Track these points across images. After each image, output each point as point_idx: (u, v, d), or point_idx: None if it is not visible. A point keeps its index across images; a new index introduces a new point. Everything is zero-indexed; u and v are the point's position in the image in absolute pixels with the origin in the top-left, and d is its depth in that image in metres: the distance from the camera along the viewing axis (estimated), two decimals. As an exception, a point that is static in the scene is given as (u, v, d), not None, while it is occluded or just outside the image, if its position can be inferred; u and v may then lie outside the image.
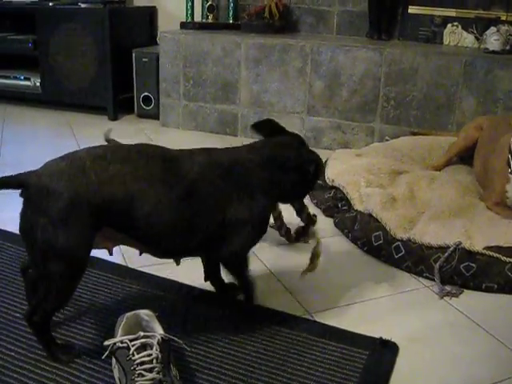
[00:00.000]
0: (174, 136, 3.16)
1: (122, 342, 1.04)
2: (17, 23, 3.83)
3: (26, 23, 3.62)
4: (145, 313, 1.14)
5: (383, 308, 1.49)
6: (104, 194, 1.11)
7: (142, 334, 1.04)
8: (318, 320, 1.41)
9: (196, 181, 1.22)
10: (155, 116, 3.42)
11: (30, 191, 1.10)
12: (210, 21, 3.49)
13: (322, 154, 2.73)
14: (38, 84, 3.65)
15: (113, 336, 1.14)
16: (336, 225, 1.97)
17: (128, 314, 1.13)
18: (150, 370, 1.04)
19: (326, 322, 1.40)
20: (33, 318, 1.16)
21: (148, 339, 1.03)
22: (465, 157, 2.30)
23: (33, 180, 1.10)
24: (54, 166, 1.13)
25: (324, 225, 1.99)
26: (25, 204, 1.11)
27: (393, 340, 1.33)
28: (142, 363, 1.03)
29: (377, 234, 1.77)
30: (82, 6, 3.49)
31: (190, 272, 1.61)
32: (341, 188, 2.04)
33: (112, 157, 1.16)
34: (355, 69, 2.80)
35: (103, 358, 1.10)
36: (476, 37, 2.98)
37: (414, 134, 2.64)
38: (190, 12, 3.46)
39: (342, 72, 2.84)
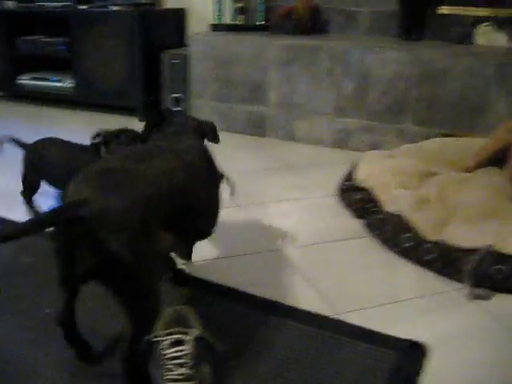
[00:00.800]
0: (204, 137, 3.17)
1: (157, 335, 1.06)
2: (50, 26, 3.90)
3: (60, 26, 3.69)
4: (183, 309, 1.16)
5: (413, 310, 1.48)
6: (164, 189, 1.12)
7: (177, 329, 1.06)
8: (347, 321, 1.41)
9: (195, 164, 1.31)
10: (185, 117, 3.45)
11: (92, 221, 0.98)
12: (239, 22, 3.51)
13: (351, 155, 2.75)
14: (70, 85, 3.72)
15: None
16: (366, 226, 1.97)
17: (167, 310, 1.15)
18: (181, 365, 1.05)
19: (356, 323, 1.40)
20: (129, 356, 1.07)
21: (182, 335, 1.05)
22: (496, 159, 2.27)
23: (88, 209, 0.98)
24: (94, 181, 1.05)
25: (354, 226, 1.99)
26: (90, 237, 0.98)
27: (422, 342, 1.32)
28: (174, 358, 1.05)
29: (407, 235, 1.77)
30: (114, 8, 3.54)
31: (224, 271, 1.64)
32: (371, 189, 2.03)
33: (143, 154, 1.17)
34: (385, 70, 2.79)
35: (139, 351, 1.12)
36: (509, 37, 2.94)
37: (445, 135, 2.62)
38: (219, 14, 3.48)
39: (372, 73, 2.83)
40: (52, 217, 0.99)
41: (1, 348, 1.27)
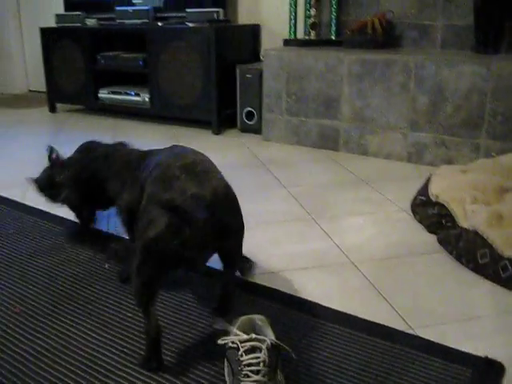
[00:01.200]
0: (276, 150, 3.22)
1: (233, 342, 1.09)
2: (129, 42, 4.06)
3: (138, 42, 3.83)
4: (259, 318, 1.19)
5: (488, 327, 1.46)
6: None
7: (253, 336, 1.09)
8: (420, 335, 1.40)
9: None
10: (257, 131, 3.51)
11: (219, 209, 1.21)
12: (312, 37, 3.54)
13: (425, 170, 2.72)
14: (147, 99, 3.85)
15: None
16: (440, 241, 1.94)
17: (242, 318, 1.18)
18: (257, 372, 1.08)
19: (429, 338, 1.39)
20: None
21: (258, 343, 1.08)
22: None
23: (213, 199, 1.20)
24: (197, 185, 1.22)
25: (428, 241, 1.97)
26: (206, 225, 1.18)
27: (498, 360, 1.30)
28: (250, 365, 1.08)
29: (482, 251, 1.74)
30: (190, 25, 3.65)
31: (294, 283, 1.66)
32: (445, 204, 2.01)
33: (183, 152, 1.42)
34: (460, 84, 2.75)
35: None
36: None
37: (522, 150, 2.56)
38: (292, 29, 3.53)
39: (447, 87, 2.79)
40: (197, 214, 1.15)
41: (77, 348, 1.33)
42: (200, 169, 1.26)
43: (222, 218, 1.22)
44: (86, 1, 4.39)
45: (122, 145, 1.86)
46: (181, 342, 1.35)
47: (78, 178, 1.77)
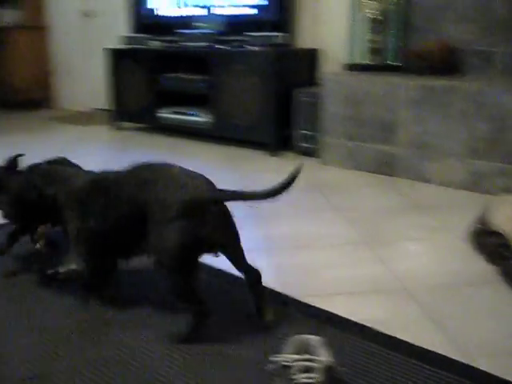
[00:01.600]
0: (333, 174, 3.23)
1: (287, 360, 1.10)
2: (192, 65, 4.16)
3: (200, 65, 3.93)
4: (314, 338, 1.20)
5: (548, 361, 1.42)
6: None
7: (307, 356, 1.10)
8: (478, 367, 1.38)
9: None
10: (313, 154, 3.53)
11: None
12: (371, 62, 3.55)
13: (484, 198, 2.67)
14: (208, 120, 3.93)
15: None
16: (499, 272, 1.91)
17: (298, 337, 1.19)
18: (311, 392, 1.09)
19: (487, 370, 1.36)
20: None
21: (312, 363, 1.09)
22: None
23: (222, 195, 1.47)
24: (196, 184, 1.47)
25: (486, 271, 1.94)
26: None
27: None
28: (303, 384, 1.09)
29: (543, 283, 1.70)
30: (250, 48, 3.72)
31: (349, 307, 1.66)
32: (504, 234, 1.97)
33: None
34: (523, 112, 2.71)
35: (266, 368, 1.22)
36: None
37: None
38: (352, 54, 3.55)
39: (508, 115, 2.75)
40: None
41: (134, 358, 1.37)
42: (189, 180, 1.48)
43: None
44: (151, 23, 4.54)
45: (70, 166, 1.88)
46: (235, 357, 1.37)
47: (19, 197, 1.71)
